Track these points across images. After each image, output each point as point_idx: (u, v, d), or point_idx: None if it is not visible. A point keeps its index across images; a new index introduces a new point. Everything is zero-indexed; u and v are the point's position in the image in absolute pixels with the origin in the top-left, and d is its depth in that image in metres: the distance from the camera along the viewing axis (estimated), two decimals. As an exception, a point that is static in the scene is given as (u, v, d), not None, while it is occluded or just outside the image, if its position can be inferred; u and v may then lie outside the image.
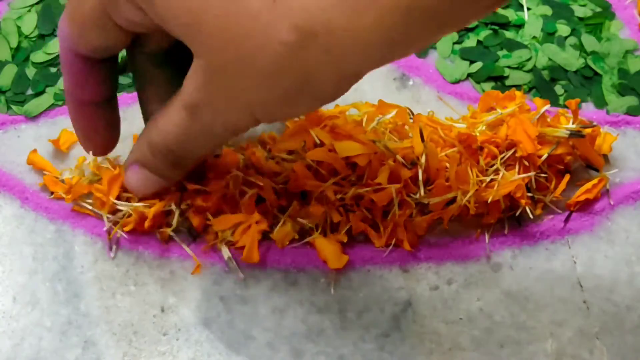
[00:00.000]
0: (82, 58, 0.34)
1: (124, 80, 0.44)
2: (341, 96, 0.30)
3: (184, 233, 0.39)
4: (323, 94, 0.29)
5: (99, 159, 0.39)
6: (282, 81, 0.28)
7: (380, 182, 0.37)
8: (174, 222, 0.38)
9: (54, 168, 0.40)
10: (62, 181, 0.39)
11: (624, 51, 0.46)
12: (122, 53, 0.36)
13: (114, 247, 0.38)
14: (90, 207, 0.38)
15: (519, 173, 0.38)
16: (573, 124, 0.39)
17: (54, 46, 0.45)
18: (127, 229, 0.38)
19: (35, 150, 0.40)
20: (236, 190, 0.37)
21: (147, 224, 0.37)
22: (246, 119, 0.31)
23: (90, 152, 0.38)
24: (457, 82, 0.45)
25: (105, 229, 0.38)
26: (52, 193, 0.39)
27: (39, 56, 0.45)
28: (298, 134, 0.39)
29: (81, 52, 0.33)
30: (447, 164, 0.38)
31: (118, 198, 0.38)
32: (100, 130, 0.37)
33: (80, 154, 0.40)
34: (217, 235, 0.38)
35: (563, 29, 0.47)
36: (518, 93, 0.40)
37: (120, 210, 0.38)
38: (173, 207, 0.37)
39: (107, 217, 0.38)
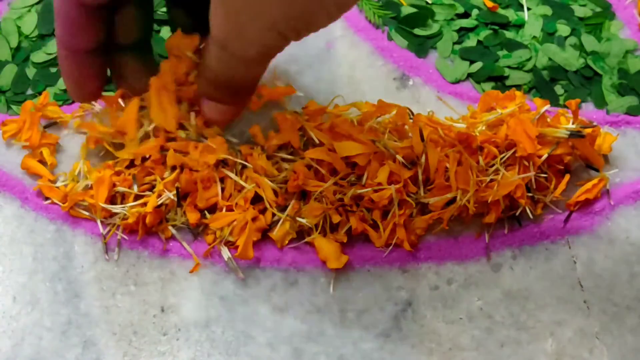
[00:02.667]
0: (76, 4, 0.34)
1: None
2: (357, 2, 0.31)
3: (185, 231, 0.39)
4: (339, 4, 0.31)
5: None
6: None
7: (380, 182, 0.37)
8: (177, 217, 0.38)
9: (49, 172, 0.40)
10: (58, 187, 0.39)
11: (624, 51, 0.46)
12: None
13: (116, 249, 0.38)
14: (87, 213, 0.38)
15: (518, 173, 0.38)
16: (573, 124, 0.39)
17: (54, 46, 0.45)
18: (125, 230, 0.38)
19: (29, 155, 0.40)
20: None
21: (148, 220, 0.37)
22: (275, 38, 0.32)
23: (77, 100, 0.39)
24: (457, 82, 0.45)
25: (101, 233, 0.38)
26: (47, 198, 0.39)
27: (39, 56, 0.45)
28: (290, 129, 0.39)
29: None
30: (447, 164, 0.38)
31: (113, 198, 0.38)
32: (90, 79, 0.38)
33: (75, 153, 0.40)
34: (216, 235, 0.38)
35: (563, 29, 0.47)
36: (518, 93, 0.40)
37: (117, 213, 0.38)
38: (170, 195, 0.37)
39: (103, 221, 0.38)
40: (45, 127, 0.41)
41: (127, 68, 0.38)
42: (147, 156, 0.38)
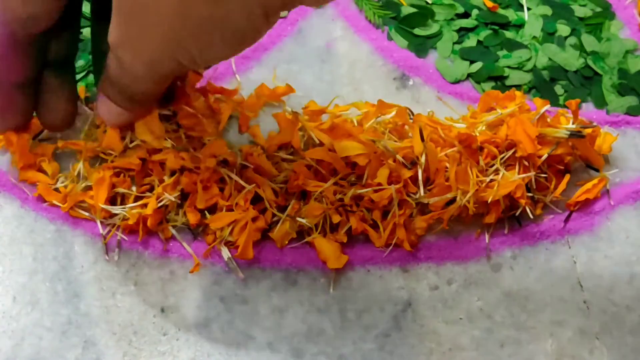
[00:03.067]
0: (10, 38, 0.33)
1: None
2: (259, 39, 0.29)
3: (185, 231, 0.39)
4: (239, 31, 0.28)
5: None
6: (192, 11, 0.27)
7: (380, 182, 0.37)
8: (177, 217, 0.38)
9: (48, 178, 0.39)
10: (57, 189, 0.39)
11: (624, 51, 0.46)
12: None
13: (116, 249, 0.38)
14: (87, 214, 0.38)
15: (519, 173, 0.38)
16: (573, 124, 0.39)
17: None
18: (125, 231, 0.38)
19: (25, 166, 0.40)
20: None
21: (149, 222, 0.37)
22: (167, 60, 0.30)
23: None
24: (457, 82, 0.45)
25: (101, 233, 0.38)
26: (46, 201, 0.39)
27: (39, 56, 0.45)
28: (290, 129, 0.39)
29: (9, 28, 0.33)
30: (447, 164, 0.38)
31: (113, 198, 0.38)
32: (17, 111, 0.37)
33: (75, 153, 0.40)
34: (216, 235, 0.38)
35: (563, 29, 0.47)
36: (518, 93, 0.40)
37: (117, 214, 0.38)
38: (172, 198, 0.37)
39: (102, 222, 0.38)
40: (39, 139, 0.41)
41: (45, 85, 0.37)
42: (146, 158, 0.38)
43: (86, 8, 0.45)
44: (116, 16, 0.29)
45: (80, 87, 0.43)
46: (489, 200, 0.37)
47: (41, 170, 0.40)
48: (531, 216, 0.39)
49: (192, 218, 0.38)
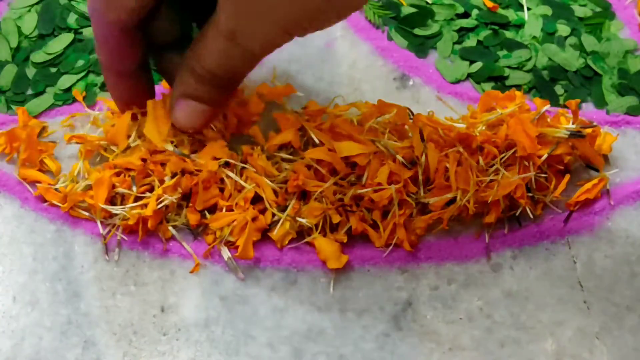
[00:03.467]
0: (116, 28, 0.34)
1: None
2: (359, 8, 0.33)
3: (185, 231, 0.39)
4: (345, 8, 0.32)
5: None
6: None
7: (380, 182, 0.37)
8: (177, 217, 0.38)
9: (48, 177, 0.39)
10: (57, 190, 0.39)
11: (624, 51, 0.46)
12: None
13: (117, 249, 0.38)
14: (87, 214, 0.38)
15: (519, 173, 0.38)
16: (573, 124, 0.39)
17: (53, 46, 0.45)
18: (125, 231, 0.38)
19: (24, 164, 0.40)
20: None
21: (150, 223, 0.37)
22: (281, 35, 0.32)
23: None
24: (457, 82, 0.45)
25: (101, 233, 0.38)
26: (46, 201, 0.39)
27: (39, 56, 0.45)
28: (290, 129, 0.39)
29: (114, 19, 0.34)
30: (447, 164, 0.38)
31: (113, 198, 0.38)
32: (138, 95, 0.38)
33: (74, 153, 0.40)
34: (216, 235, 0.38)
35: (563, 29, 0.47)
36: (518, 93, 0.40)
37: (117, 214, 0.38)
38: (172, 199, 0.37)
39: (102, 222, 0.38)
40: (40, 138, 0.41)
41: (171, 66, 0.38)
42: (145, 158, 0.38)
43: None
44: (234, 4, 0.31)
45: (75, 91, 0.43)
46: (489, 200, 0.37)
47: (42, 169, 0.40)
48: (531, 216, 0.39)
49: (192, 218, 0.38)
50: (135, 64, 0.37)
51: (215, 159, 0.38)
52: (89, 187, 0.38)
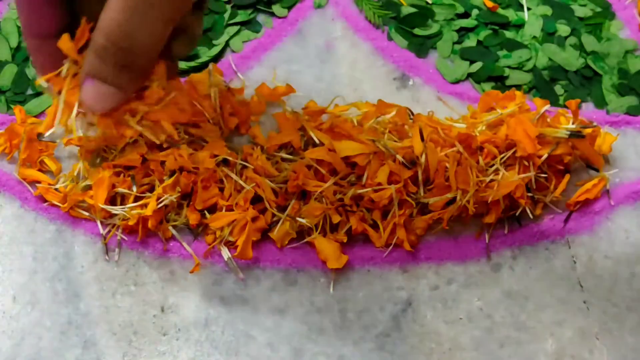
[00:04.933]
0: None
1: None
2: None
3: (185, 231, 0.39)
4: None
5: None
6: None
7: (380, 182, 0.37)
8: (177, 217, 0.38)
9: (47, 178, 0.39)
10: (57, 190, 0.39)
11: (624, 51, 0.46)
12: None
13: (117, 249, 0.38)
14: (87, 214, 0.38)
15: (518, 173, 0.38)
16: (573, 124, 0.39)
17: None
18: (125, 231, 0.38)
19: (24, 164, 0.40)
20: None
21: (150, 223, 0.37)
22: None
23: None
24: (457, 82, 0.45)
25: (101, 233, 0.38)
26: (46, 201, 0.39)
27: (39, 56, 0.45)
28: (290, 129, 0.39)
29: None
30: (447, 164, 0.38)
31: (113, 198, 0.38)
32: (59, 63, 0.36)
33: (74, 153, 0.40)
34: (216, 235, 0.38)
35: (563, 29, 0.47)
36: (518, 93, 0.40)
37: (117, 214, 0.38)
38: (172, 199, 0.37)
39: (102, 222, 0.38)
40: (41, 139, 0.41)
41: (89, 9, 0.35)
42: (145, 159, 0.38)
43: None
44: None
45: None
46: (489, 200, 0.37)
47: (42, 169, 0.40)
48: (531, 216, 0.39)
49: (192, 218, 0.38)
50: (57, 26, 0.35)
51: (214, 156, 0.38)
52: (88, 187, 0.38)
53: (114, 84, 0.34)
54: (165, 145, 0.38)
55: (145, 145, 0.38)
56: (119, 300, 0.37)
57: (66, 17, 0.35)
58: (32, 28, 0.35)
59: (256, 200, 0.38)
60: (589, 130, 0.39)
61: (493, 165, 0.38)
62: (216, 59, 0.45)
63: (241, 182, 0.38)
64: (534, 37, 0.47)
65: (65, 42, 0.34)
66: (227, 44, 0.46)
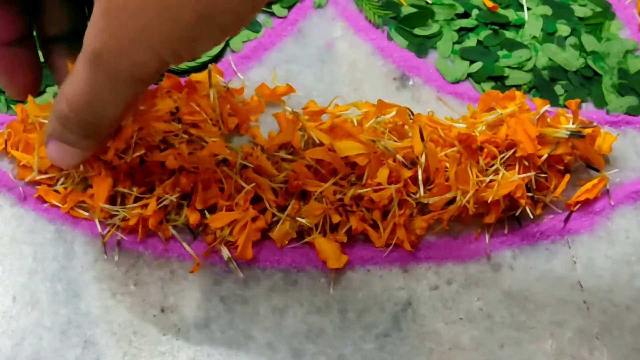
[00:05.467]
0: None
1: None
2: (246, 25, 0.29)
3: (185, 231, 0.39)
4: (227, 25, 0.28)
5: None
6: (184, 13, 0.27)
7: (380, 182, 0.37)
8: (177, 217, 0.38)
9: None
10: (57, 191, 0.39)
11: (624, 51, 0.46)
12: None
13: (116, 249, 0.38)
14: (87, 214, 0.38)
15: (519, 173, 0.38)
16: (573, 124, 0.39)
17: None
18: (125, 231, 0.38)
19: (24, 166, 0.40)
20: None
21: (151, 223, 0.37)
22: (152, 61, 0.29)
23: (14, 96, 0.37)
24: (457, 82, 0.45)
25: (101, 233, 0.38)
26: (45, 202, 0.39)
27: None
28: (290, 129, 0.39)
29: None
30: (447, 164, 0.38)
31: (113, 197, 0.38)
32: (20, 71, 0.36)
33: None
34: (216, 235, 0.38)
35: (563, 29, 0.47)
36: (518, 93, 0.40)
37: (116, 214, 0.38)
38: (172, 199, 0.37)
39: (103, 222, 0.38)
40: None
41: (59, 60, 0.36)
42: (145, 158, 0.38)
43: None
44: (102, 20, 0.28)
45: None
46: (489, 200, 0.37)
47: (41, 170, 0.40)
48: (531, 216, 0.39)
49: (192, 218, 0.38)
50: (12, 36, 0.34)
51: (214, 156, 0.38)
52: (89, 186, 0.38)
53: (77, 147, 0.33)
54: (162, 147, 0.38)
55: (144, 149, 0.38)
56: (119, 300, 0.37)
57: (26, 27, 0.35)
58: None
59: (256, 200, 0.38)
60: (589, 130, 0.39)
61: (493, 165, 0.38)
62: (216, 59, 0.45)
63: (241, 182, 0.38)
64: (534, 37, 0.47)
65: (31, 106, 0.36)
66: (227, 44, 0.46)
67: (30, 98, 0.38)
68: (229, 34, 0.29)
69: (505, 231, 0.39)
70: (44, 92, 0.44)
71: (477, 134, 0.39)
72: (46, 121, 0.37)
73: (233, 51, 0.46)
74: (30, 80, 0.37)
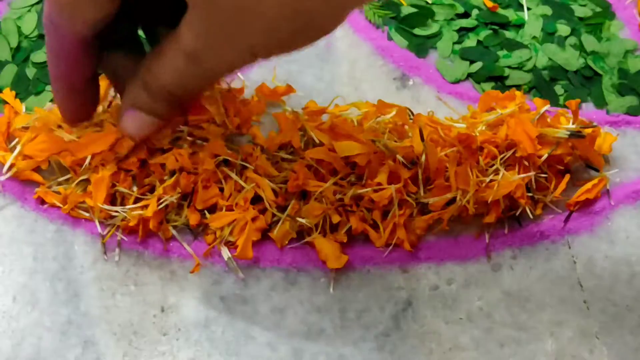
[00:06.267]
0: (75, 40, 0.33)
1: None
2: (341, 23, 0.32)
3: (185, 231, 0.39)
4: (323, 30, 0.31)
5: None
6: (286, 25, 0.29)
7: (380, 182, 0.37)
8: (177, 217, 0.38)
9: (43, 179, 0.39)
10: (57, 192, 0.39)
11: (624, 51, 0.46)
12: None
13: (116, 249, 0.38)
14: (87, 214, 0.38)
15: (519, 173, 0.38)
16: (573, 124, 0.39)
17: (54, 46, 0.45)
18: (125, 231, 0.38)
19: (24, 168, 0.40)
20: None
21: (151, 224, 0.37)
22: (247, 58, 0.31)
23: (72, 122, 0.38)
24: (457, 82, 0.45)
25: (101, 233, 0.38)
26: (44, 202, 0.39)
27: (39, 56, 0.45)
28: (290, 129, 0.39)
29: (72, 33, 0.33)
30: (447, 164, 0.38)
31: (113, 197, 0.38)
32: (87, 104, 0.37)
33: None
34: (216, 235, 0.38)
35: (563, 29, 0.47)
36: (518, 93, 0.40)
37: (116, 215, 0.38)
38: (173, 199, 0.37)
39: (103, 222, 0.38)
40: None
41: (117, 66, 0.37)
42: (145, 158, 0.38)
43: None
44: (201, 25, 0.30)
45: None
46: (489, 200, 0.37)
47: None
48: (531, 216, 0.39)
49: (192, 218, 0.38)
50: (89, 75, 0.35)
51: (214, 157, 0.38)
52: (88, 184, 0.38)
53: (160, 117, 0.35)
54: (167, 147, 0.38)
55: (145, 151, 0.38)
56: (119, 300, 0.37)
57: (96, 66, 0.36)
58: (67, 78, 0.35)
59: (256, 200, 0.38)
60: (589, 131, 0.39)
61: (493, 165, 0.38)
62: (216, 59, 0.45)
63: (241, 182, 0.38)
64: (534, 37, 0.47)
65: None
66: (227, 44, 0.46)
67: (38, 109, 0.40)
68: (324, 35, 0.31)
69: (505, 231, 0.39)
70: (43, 91, 0.44)
71: (477, 134, 0.39)
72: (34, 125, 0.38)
73: (233, 51, 0.46)
74: (93, 110, 0.38)
